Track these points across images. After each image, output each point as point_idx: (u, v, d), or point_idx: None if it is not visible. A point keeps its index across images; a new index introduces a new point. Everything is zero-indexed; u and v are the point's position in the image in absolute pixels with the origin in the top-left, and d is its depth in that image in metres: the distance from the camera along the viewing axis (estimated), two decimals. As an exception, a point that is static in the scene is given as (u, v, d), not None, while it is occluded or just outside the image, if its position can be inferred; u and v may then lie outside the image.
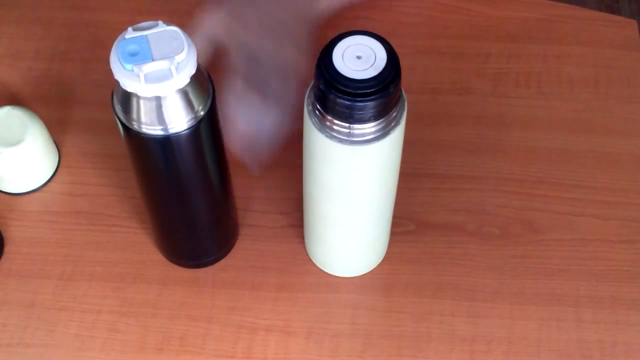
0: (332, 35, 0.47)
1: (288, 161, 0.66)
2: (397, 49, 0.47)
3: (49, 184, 0.66)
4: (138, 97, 0.47)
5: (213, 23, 0.61)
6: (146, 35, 0.47)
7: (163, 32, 0.47)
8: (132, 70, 0.46)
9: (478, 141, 0.69)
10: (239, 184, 0.62)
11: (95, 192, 0.66)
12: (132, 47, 0.46)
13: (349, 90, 0.45)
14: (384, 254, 0.64)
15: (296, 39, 0.63)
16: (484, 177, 0.68)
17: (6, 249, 0.63)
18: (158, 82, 0.46)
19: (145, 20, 0.48)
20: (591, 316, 0.61)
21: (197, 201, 0.57)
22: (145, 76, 0.46)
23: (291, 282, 0.63)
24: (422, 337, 0.60)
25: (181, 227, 0.60)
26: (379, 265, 0.64)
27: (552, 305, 0.62)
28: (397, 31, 0.72)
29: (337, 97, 0.46)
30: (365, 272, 0.63)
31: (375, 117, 0.47)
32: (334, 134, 0.48)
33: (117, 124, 0.50)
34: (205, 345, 0.60)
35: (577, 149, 0.69)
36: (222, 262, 0.63)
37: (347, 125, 0.48)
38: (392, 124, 0.49)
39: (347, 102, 0.46)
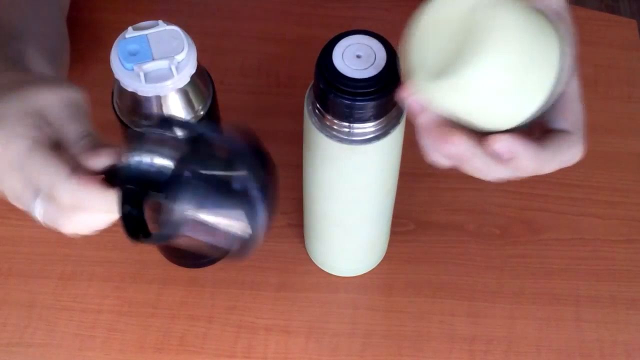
0: (332, 35, 0.47)
1: (288, 161, 0.66)
2: (397, 49, 0.47)
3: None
4: (138, 97, 0.47)
5: None
6: (146, 34, 0.47)
7: (163, 32, 0.47)
8: (133, 69, 0.46)
9: (478, 141, 0.69)
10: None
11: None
12: (133, 47, 0.47)
13: (349, 89, 0.45)
14: (383, 254, 0.64)
15: None
16: (484, 177, 0.68)
17: (7, 248, 0.63)
18: (158, 82, 0.46)
19: (145, 20, 0.48)
20: (591, 315, 0.61)
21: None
22: (146, 75, 0.46)
23: (291, 282, 0.63)
24: (422, 337, 0.60)
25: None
26: (379, 264, 0.64)
27: (552, 305, 0.62)
28: (397, 31, 0.72)
29: (337, 97, 0.46)
30: (365, 272, 0.64)
31: (375, 117, 0.47)
32: (334, 133, 0.48)
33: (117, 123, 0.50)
34: (205, 345, 0.60)
35: (576, 149, 0.69)
36: (222, 261, 0.63)
37: (347, 124, 0.48)
38: (392, 124, 0.49)
39: (347, 102, 0.46)
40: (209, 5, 0.77)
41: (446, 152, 0.41)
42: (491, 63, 0.39)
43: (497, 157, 0.41)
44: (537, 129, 0.43)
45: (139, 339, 0.60)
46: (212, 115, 0.51)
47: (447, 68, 0.39)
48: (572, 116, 0.43)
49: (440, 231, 0.65)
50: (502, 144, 0.40)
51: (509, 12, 0.39)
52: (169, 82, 0.46)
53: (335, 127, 0.48)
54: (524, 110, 0.41)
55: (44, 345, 0.59)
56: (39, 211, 0.43)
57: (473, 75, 0.39)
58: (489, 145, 0.40)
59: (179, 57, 0.47)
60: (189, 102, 0.49)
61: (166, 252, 0.63)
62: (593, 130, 0.70)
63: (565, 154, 0.42)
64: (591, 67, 0.73)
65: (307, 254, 0.64)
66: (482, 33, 0.39)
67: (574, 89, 0.44)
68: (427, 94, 0.41)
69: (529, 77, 0.40)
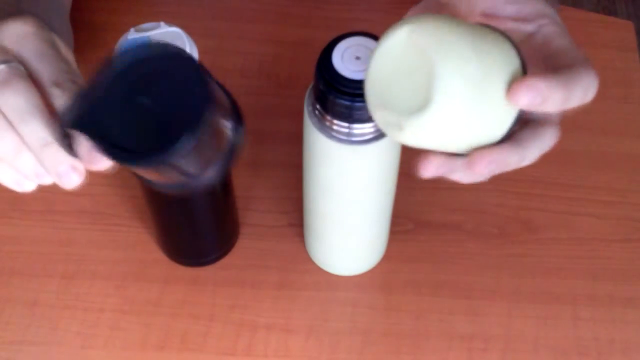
0: (331, 36, 0.48)
1: (288, 161, 0.67)
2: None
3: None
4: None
5: None
6: (148, 36, 0.48)
7: (165, 33, 0.48)
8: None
9: (476, 141, 0.70)
10: (239, 184, 0.63)
11: (98, 191, 0.67)
12: (135, 48, 0.47)
13: (348, 90, 0.46)
14: (383, 253, 0.64)
15: None
16: (482, 177, 0.68)
17: (9, 247, 0.64)
18: (160, 83, 0.46)
19: (147, 22, 0.49)
20: (588, 314, 0.62)
21: (198, 201, 0.58)
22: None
23: (291, 281, 0.63)
24: (420, 335, 0.61)
25: (183, 227, 0.60)
26: (378, 264, 0.64)
27: (549, 303, 0.62)
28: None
29: (336, 98, 0.46)
30: (364, 271, 0.64)
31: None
32: (334, 134, 0.49)
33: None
34: (206, 343, 0.60)
35: (573, 149, 0.70)
36: (223, 260, 0.64)
37: (346, 125, 0.48)
38: (391, 124, 0.49)
39: (346, 103, 0.46)
40: (210, 7, 0.77)
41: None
42: (451, 94, 0.38)
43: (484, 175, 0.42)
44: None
45: (140, 337, 0.60)
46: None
47: (412, 109, 0.39)
48: (573, 55, 0.43)
49: (438, 231, 0.66)
50: (485, 165, 0.40)
51: (452, 38, 0.39)
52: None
53: (334, 127, 0.49)
54: (500, 125, 0.41)
55: (46, 344, 0.60)
56: None
57: (438, 112, 0.38)
58: (473, 168, 0.41)
59: (181, 59, 0.47)
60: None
61: (168, 251, 0.64)
62: (590, 131, 0.71)
63: (584, 78, 0.41)
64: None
65: (307, 253, 0.64)
66: (435, 66, 0.38)
67: (565, 43, 0.44)
68: (401, 136, 0.40)
69: (494, 95, 0.39)
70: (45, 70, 0.43)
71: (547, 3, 0.46)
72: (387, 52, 0.40)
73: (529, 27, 0.44)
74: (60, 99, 0.42)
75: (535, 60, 0.43)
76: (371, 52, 0.41)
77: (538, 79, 0.39)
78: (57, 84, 0.43)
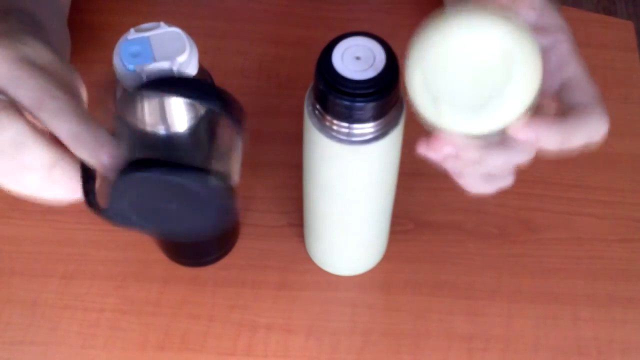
0: (331, 36, 0.48)
1: (288, 161, 0.67)
2: (396, 51, 0.47)
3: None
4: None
5: None
6: (148, 36, 0.48)
7: (165, 33, 0.48)
8: (134, 70, 0.47)
9: (476, 141, 0.70)
10: (240, 184, 0.62)
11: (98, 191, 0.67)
12: (134, 48, 0.47)
13: (348, 90, 0.46)
14: (383, 253, 0.64)
15: None
16: (482, 177, 0.68)
17: (9, 247, 0.64)
18: (160, 83, 0.46)
19: (146, 22, 0.49)
20: (588, 314, 0.62)
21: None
22: (148, 77, 0.46)
23: (291, 281, 0.63)
24: (420, 335, 0.61)
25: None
26: (378, 264, 0.64)
27: (549, 303, 0.62)
28: (397, 34, 0.73)
29: (336, 98, 0.46)
30: (364, 271, 0.64)
31: (375, 118, 0.48)
32: (334, 134, 0.49)
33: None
34: (206, 343, 0.60)
35: (574, 149, 0.70)
36: (223, 260, 0.64)
37: (346, 125, 0.48)
38: (391, 124, 0.49)
39: (346, 103, 0.46)
40: (210, 7, 0.77)
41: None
42: (504, 115, 0.40)
43: (523, 146, 0.43)
44: (556, 108, 0.44)
45: (140, 337, 0.60)
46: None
47: (462, 104, 0.40)
48: (586, 92, 0.44)
49: (439, 231, 0.66)
50: (526, 131, 0.41)
51: (533, 40, 0.40)
52: (170, 83, 0.47)
53: (334, 127, 0.49)
54: (489, 132, 0.42)
55: (46, 344, 0.60)
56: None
57: (482, 120, 0.40)
58: (516, 136, 0.42)
59: (181, 59, 0.47)
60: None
61: (168, 252, 0.64)
62: (590, 131, 0.71)
63: (589, 124, 0.43)
64: (588, 68, 0.74)
65: (307, 253, 0.64)
66: (518, 65, 0.39)
67: (579, 72, 0.45)
68: (453, 127, 0.42)
69: (513, 116, 0.41)
70: (23, 96, 0.42)
71: (563, 17, 0.47)
72: (472, 32, 0.39)
73: (545, 40, 0.45)
74: (48, 121, 0.42)
75: (547, 86, 0.44)
76: (457, 14, 0.39)
77: (540, 124, 0.41)
78: (39, 107, 0.42)
